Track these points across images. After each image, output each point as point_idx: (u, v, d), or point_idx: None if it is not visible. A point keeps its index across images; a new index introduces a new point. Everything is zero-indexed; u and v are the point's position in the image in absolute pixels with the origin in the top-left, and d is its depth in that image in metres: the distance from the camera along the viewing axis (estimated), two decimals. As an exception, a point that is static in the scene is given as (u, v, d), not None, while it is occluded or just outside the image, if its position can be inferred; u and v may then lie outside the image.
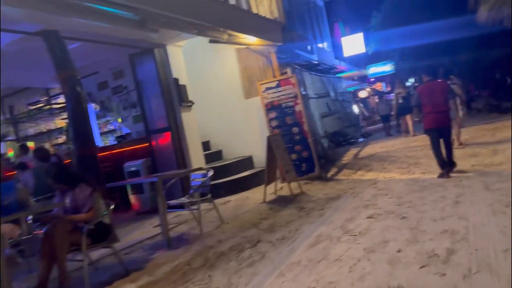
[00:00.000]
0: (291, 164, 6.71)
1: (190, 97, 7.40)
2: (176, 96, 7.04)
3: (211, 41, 6.32)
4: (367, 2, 23.59)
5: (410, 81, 38.20)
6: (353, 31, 23.88)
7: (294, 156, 7.73)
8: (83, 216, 3.89)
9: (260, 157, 7.62)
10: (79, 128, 5.34)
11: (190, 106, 7.32)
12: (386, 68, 29.30)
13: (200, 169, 5.66)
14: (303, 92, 11.98)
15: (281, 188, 7.13)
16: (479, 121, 13.73)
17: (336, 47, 22.40)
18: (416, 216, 4.31)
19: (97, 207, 3.97)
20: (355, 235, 4.02)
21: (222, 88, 8.54)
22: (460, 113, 9.79)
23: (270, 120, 7.76)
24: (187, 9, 5.36)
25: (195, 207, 5.14)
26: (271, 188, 6.90)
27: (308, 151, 7.76)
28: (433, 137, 6.54)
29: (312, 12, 18.21)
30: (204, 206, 5.88)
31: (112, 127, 9.19)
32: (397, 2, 17.95)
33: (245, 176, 7.65)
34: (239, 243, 4.44)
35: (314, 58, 14.90)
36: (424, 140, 11.10)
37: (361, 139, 15.95)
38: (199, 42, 7.40)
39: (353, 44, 22.94)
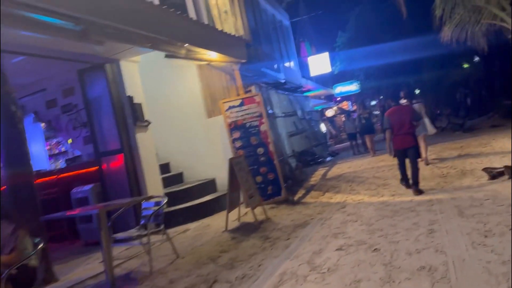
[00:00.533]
0: (255, 188, 6.25)
1: (147, 117, 6.85)
2: (130, 116, 6.47)
3: (167, 56, 5.84)
4: (333, 22, 23.93)
5: (373, 102, 39.27)
6: (319, 50, 24.10)
7: (259, 179, 7.28)
8: (2, 259, 3.25)
9: (223, 179, 7.09)
10: (13, 153, 4.67)
11: (146, 126, 6.76)
12: (352, 87, 29.73)
13: (151, 197, 5.09)
14: (270, 111, 11.66)
15: (246, 213, 6.63)
16: (444, 140, 13.84)
17: (303, 67, 22.47)
18: (389, 248, 3.92)
19: (21, 247, 3.34)
20: (324, 273, 3.57)
21: (183, 107, 8.02)
22: (433, 131, 9.79)
23: (233, 140, 7.30)
24: (139, 21, 4.88)
25: (145, 240, 4.55)
26: (234, 213, 6.39)
27: (274, 173, 7.33)
28: (399, 157, 7.14)
29: (278, 31, 18.15)
30: (159, 237, 5.29)
31: (63, 149, 8.46)
32: (362, 22, 18.20)
33: (207, 200, 7.10)
34: (193, 284, 3.88)
35: (281, 77, 14.72)
36: (391, 160, 10.97)
37: (328, 158, 15.76)
38: (158, 57, 6.91)
39: (319, 63, 23.08)
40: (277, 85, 14.27)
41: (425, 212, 5.14)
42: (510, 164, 7.05)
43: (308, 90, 21.04)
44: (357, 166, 11.40)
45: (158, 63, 7.29)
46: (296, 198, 8.15)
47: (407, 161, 7.01)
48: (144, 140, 6.67)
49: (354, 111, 35.79)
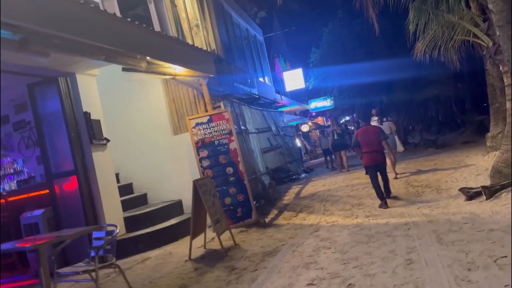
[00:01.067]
0: (222, 212, 5.79)
1: (106, 134, 6.33)
2: (86, 133, 5.94)
3: (124, 70, 5.39)
4: (307, 38, 24.01)
5: (346, 118, 39.84)
6: (294, 66, 24.09)
7: (228, 200, 6.83)
8: None
9: (190, 200, 6.60)
10: None
11: (105, 144, 6.24)
12: (327, 103, 29.87)
13: (100, 227, 4.57)
14: (242, 127, 11.29)
15: (213, 238, 6.15)
16: (417, 156, 13.79)
17: (277, 82, 22.35)
18: (364, 283, 3.54)
19: None
20: (292, 315, 3.15)
21: (147, 123, 7.53)
22: (401, 149, 10.34)
23: (201, 159, 6.85)
24: (91, 31, 4.43)
25: (94, 275, 4.01)
26: (200, 239, 5.91)
27: (244, 193, 6.90)
28: (371, 172, 7.58)
29: (252, 46, 17.99)
30: (111, 270, 4.75)
31: (18, 168, 7.79)
32: (334, 39, 18.22)
33: (172, 224, 6.58)
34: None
35: (255, 92, 14.45)
36: (365, 177, 10.74)
37: (303, 175, 15.47)
38: (119, 71, 6.43)
39: (294, 79, 23.03)
40: (251, 101, 13.97)
41: (402, 238, 4.82)
42: (486, 184, 6.90)
43: (283, 106, 20.85)
44: (331, 183, 11.11)
45: (120, 76, 6.81)
46: (268, 219, 7.73)
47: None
48: (102, 160, 6.14)
49: (328, 126, 36.06)
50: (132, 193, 7.71)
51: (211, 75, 7.09)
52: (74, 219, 5.80)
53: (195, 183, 5.22)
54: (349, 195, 8.95)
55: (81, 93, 6.01)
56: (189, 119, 6.88)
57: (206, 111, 7.12)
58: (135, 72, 5.34)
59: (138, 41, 5.25)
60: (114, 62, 5.00)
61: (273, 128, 15.67)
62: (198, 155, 6.83)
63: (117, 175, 7.78)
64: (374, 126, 8.28)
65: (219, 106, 7.22)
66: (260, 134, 13.46)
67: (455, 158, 11.38)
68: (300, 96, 27.43)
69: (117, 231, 4.23)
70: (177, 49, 6.25)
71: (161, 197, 7.52)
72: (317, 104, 31.37)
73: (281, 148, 15.55)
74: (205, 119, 6.91)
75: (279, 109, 19.60)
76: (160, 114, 7.43)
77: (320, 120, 41.01)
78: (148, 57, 5.42)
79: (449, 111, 21.96)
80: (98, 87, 6.41)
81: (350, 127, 24.93)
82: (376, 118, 11.07)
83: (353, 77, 17.49)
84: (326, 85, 20.02)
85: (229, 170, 6.89)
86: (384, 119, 10.87)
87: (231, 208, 6.80)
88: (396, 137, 10.17)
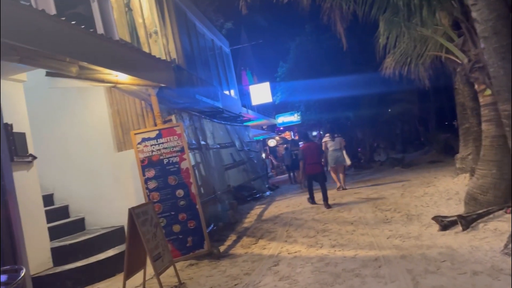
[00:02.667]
0: (165, 245, 4.92)
1: (33, 150, 5.36)
2: (5, 149, 4.96)
3: (48, 74, 4.51)
4: (274, 51, 23.63)
5: (314, 133, 39.92)
6: (261, 79, 23.60)
7: (176, 228, 5.97)
8: None
9: None
10: None
11: (30, 162, 5.27)
12: (294, 118, 29.57)
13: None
14: (202, 142, 10.49)
15: (154, 276, 5.26)
16: (383, 176, 13.42)
17: (244, 95, 21.76)
18: None
19: None
20: None
21: (87, 138, 6.58)
22: (348, 161, 11.34)
23: (146, 180, 5.97)
24: (6, 26, 3.56)
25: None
26: (139, 276, 5.01)
27: (196, 220, 6.07)
28: (309, 179, 9.88)
29: (217, 58, 17.35)
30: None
31: None
32: (302, 53, 17.86)
33: (109, 256, 5.63)
34: None
35: (218, 105, 13.72)
36: (329, 198, 10.17)
37: (267, 193, 14.77)
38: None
39: (261, 92, 22.50)
40: (214, 114, 13.22)
41: (372, 279, 4.15)
42: (458, 210, 6.41)
43: (249, 120, 20.24)
44: (295, 204, 10.44)
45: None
46: (224, 247, 6.92)
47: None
48: (25, 181, 5.16)
49: (293, 141, 35.92)
50: (68, 216, 6.70)
51: (162, 85, 6.28)
52: (-16, 252, 4.77)
53: (131, 211, 4.36)
54: (314, 218, 8.29)
55: (2, 101, 5.03)
56: (134, 133, 6.01)
57: (156, 125, 6.28)
58: (64, 78, 4.45)
59: (69, 42, 4.39)
60: (35, 65, 4.12)
61: (237, 143, 14.94)
62: (144, 175, 5.96)
63: (51, 196, 6.78)
64: (315, 143, 10.55)
65: (170, 120, 6.39)
66: (222, 149, 12.68)
67: (423, 179, 11.02)
68: (267, 110, 26.96)
69: (23, 272, 3.30)
70: (120, 54, 5.41)
71: (101, 222, 6.55)
72: (284, 119, 31.04)
73: (245, 164, 14.81)
74: (153, 135, 6.07)
75: (245, 124, 18.95)
76: (102, 128, 6.51)
77: (287, 135, 40.76)
78: (81, 62, 4.58)
79: (414, 129, 22.04)
80: (26, 95, 5.45)
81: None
82: (328, 135, 11.84)
83: (320, 92, 17.15)
84: (293, 100, 19.59)
85: (179, 192, 6.05)
86: (335, 135, 11.53)
87: (180, 236, 5.94)
88: (344, 152, 11.24)
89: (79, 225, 6.64)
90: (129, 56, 5.64)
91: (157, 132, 6.10)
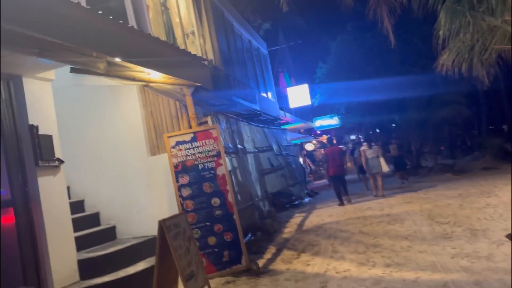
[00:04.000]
0: (200, 261, 4.39)
1: (61, 153, 5.00)
2: (30, 152, 4.62)
3: (72, 71, 4.10)
4: (313, 52, 22.85)
5: (352, 137, 38.83)
6: (299, 82, 22.90)
7: (212, 240, 5.43)
8: None
9: None
10: None
11: (57, 166, 4.90)
12: (333, 121, 28.62)
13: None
14: (239, 146, 9.97)
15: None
16: (435, 183, 12.36)
17: (281, 98, 21.14)
18: None
19: None
20: None
21: (118, 141, 6.18)
22: (386, 168, 11.67)
23: (180, 187, 5.48)
24: (25, 16, 3.17)
25: None
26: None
27: (233, 232, 5.51)
28: (334, 181, 11.27)
29: (255, 60, 16.88)
30: None
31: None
32: (343, 53, 17.01)
33: (140, 270, 5.15)
34: None
35: (256, 108, 13.23)
36: (379, 209, 9.33)
37: (306, 200, 14.05)
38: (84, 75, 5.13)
39: (299, 95, 21.79)
40: (251, 117, 12.71)
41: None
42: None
43: (287, 123, 19.60)
44: (339, 213, 9.68)
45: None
46: (263, 261, 6.33)
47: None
48: (51, 187, 4.79)
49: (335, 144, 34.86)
50: (99, 224, 6.33)
51: (198, 84, 5.78)
52: (8, 268, 4.42)
53: (161, 224, 3.84)
54: (362, 231, 7.53)
55: (28, 101, 4.71)
56: (168, 136, 5.54)
57: (190, 127, 5.79)
58: (90, 75, 4.03)
59: (96, 34, 3.97)
60: (57, 60, 3.71)
61: (275, 147, 14.34)
62: (177, 182, 5.47)
63: (81, 203, 6.45)
64: (338, 147, 12.08)
65: (206, 122, 5.88)
66: (260, 154, 12.12)
67: (481, 188, 9.97)
68: (304, 113, 26.19)
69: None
70: (152, 49, 4.96)
71: (133, 231, 6.13)
72: (322, 122, 30.15)
73: (283, 169, 14.16)
74: (187, 138, 5.58)
75: (282, 127, 18.32)
76: (135, 130, 6.10)
77: (324, 139, 39.74)
78: (108, 57, 4.14)
79: (461, 133, 20.56)
80: (54, 95, 5.11)
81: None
82: (365, 143, 12.31)
83: (362, 94, 16.22)
84: (333, 102, 18.72)
85: (215, 201, 5.52)
86: (372, 144, 12.06)
87: (216, 250, 5.39)
88: (382, 159, 11.53)
89: (110, 233, 6.26)
90: (162, 53, 5.18)
91: (192, 135, 5.60)
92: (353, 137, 39.58)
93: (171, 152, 5.51)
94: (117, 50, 4.26)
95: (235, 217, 5.51)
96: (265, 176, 11.92)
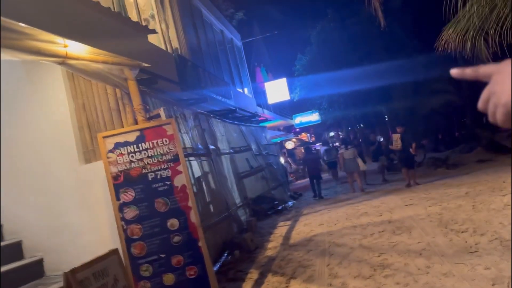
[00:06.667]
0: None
1: None
2: None
3: None
4: (291, 44, 21.48)
5: (331, 134, 37.93)
6: (277, 76, 21.48)
7: (169, 279, 3.89)
8: None
9: None
10: None
11: None
12: (313, 117, 27.42)
13: None
14: (211, 147, 8.49)
15: None
16: (431, 179, 11.17)
17: (259, 94, 19.74)
18: None
19: None
20: None
21: (41, 145, 4.59)
22: (364, 167, 12.76)
23: (122, 207, 3.94)
24: None
25: None
26: None
27: (199, 264, 4.00)
28: (311, 179, 13.18)
29: (229, 52, 15.45)
30: None
31: None
32: (324, 42, 15.66)
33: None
34: None
35: (231, 104, 11.82)
36: (375, 213, 8.02)
37: (290, 203, 12.66)
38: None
39: (277, 90, 20.38)
40: (225, 113, 11.28)
41: None
42: None
43: (266, 120, 18.21)
44: (330, 221, 8.29)
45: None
46: (242, 294, 4.89)
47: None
48: None
49: (313, 143, 33.77)
50: (22, 257, 4.73)
51: (146, 65, 4.25)
52: None
53: (69, 278, 2.33)
54: (362, 244, 6.15)
55: None
56: (103, 137, 3.99)
57: (137, 123, 4.26)
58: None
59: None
60: None
61: (254, 146, 12.88)
62: (118, 199, 3.93)
63: (-2, 228, 4.83)
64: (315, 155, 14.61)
65: (158, 116, 4.36)
66: (236, 154, 10.66)
67: (487, 184, 8.77)
68: (284, 110, 24.86)
69: None
70: (72, 11, 3.42)
71: (66, 265, 4.52)
72: (302, 119, 28.88)
73: (264, 170, 12.73)
74: (131, 138, 4.05)
75: (261, 124, 16.91)
76: (62, 130, 4.50)
77: (304, 136, 38.66)
78: (23, 24, 2.60)
79: (449, 125, 19.60)
80: None
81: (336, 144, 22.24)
82: (342, 146, 13.24)
83: (345, 86, 14.95)
84: (314, 96, 17.38)
85: (173, 223, 4.00)
86: (349, 146, 12.65)
87: (174, 293, 3.88)
88: (359, 159, 12.26)
89: (36, 269, 4.66)
90: (88, 16, 3.64)
91: (137, 134, 4.07)
92: (332, 134, 38.64)
93: (108, 157, 3.96)
94: (9, 9, 2.72)
95: (201, 243, 4.01)
96: (243, 180, 10.47)
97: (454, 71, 0.77)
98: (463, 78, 0.77)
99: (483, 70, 0.70)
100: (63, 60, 3.43)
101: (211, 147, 8.45)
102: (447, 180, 10.58)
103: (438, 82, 13.97)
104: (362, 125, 19.35)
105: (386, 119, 17.57)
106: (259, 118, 16.49)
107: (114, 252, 3.00)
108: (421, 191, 9.48)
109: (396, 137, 11.09)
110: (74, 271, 2.41)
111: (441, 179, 11.05)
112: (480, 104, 0.70)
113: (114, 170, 3.96)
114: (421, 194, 9.03)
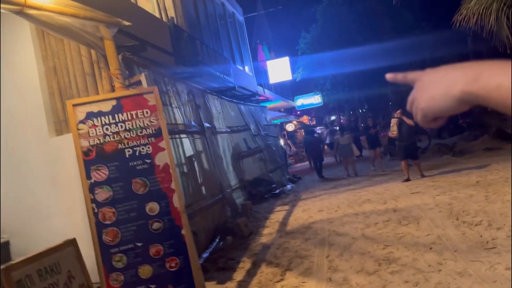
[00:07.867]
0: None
1: None
2: None
3: None
4: (295, 21, 20.62)
5: (332, 118, 37.28)
6: (279, 55, 20.70)
7: (146, 272, 3.38)
8: None
9: (84, 252, 3.13)
10: None
11: None
12: (315, 99, 26.73)
13: None
14: (207, 125, 7.93)
15: None
16: (438, 167, 10.64)
17: (260, 73, 19.02)
18: None
19: None
20: None
21: (4, 114, 4.02)
22: (357, 152, 14.35)
23: (93, 186, 3.40)
24: None
25: None
26: None
27: (181, 255, 3.47)
28: (313, 159, 14.06)
29: (230, 27, 14.69)
30: None
31: None
32: (330, 19, 14.86)
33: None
34: None
35: (231, 81, 11.20)
36: (380, 200, 7.51)
37: (289, 187, 12.18)
38: None
39: (279, 69, 19.63)
40: (223, 90, 10.69)
41: None
42: None
43: (267, 100, 17.56)
44: (331, 207, 7.78)
45: None
46: (232, 285, 4.40)
47: None
48: None
49: (314, 126, 33.13)
50: (-14, 240, 4.22)
51: (127, 23, 3.64)
52: None
53: (3, 277, 1.78)
54: (365, 235, 5.64)
55: None
56: (73, 105, 3.41)
57: (113, 90, 3.67)
58: None
59: None
60: None
61: (253, 126, 12.32)
62: (89, 178, 3.39)
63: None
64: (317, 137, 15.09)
65: (138, 83, 3.76)
66: (234, 134, 10.12)
67: (498, 173, 8.25)
68: (285, 91, 24.14)
69: None
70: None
71: (35, 247, 4.03)
72: (303, 101, 28.16)
73: (262, 151, 12.19)
74: (106, 107, 3.47)
75: (262, 104, 16.28)
76: (30, 96, 3.91)
77: (305, 119, 37.99)
78: None
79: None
80: None
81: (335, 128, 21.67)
82: (339, 133, 13.52)
83: (350, 65, 14.24)
84: (317, 76, 16.67)
85: (152, 207, 3.46)
86: (345, 133, 12.85)
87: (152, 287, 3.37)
88: (353, 146, 13.32)
89: (2, 252, 4.16)
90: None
91: (114, 103, 3.49)
92: (333, 117, 37.97)
93: (78, 129, 3.40)
94: None
95: (185, 231, 3.48)
96: (240, 161, 9.94)
97: (389, 75, 0.81)
98: (395, 82, 0.82)
99: (410, 76, 0.76)
100: (21, 8, 2.82)
101: (206, 124, 7.90)
102: (455, 168, 10.04)
103: (446, 63, 13.29)
104: (365, 109, 18.69)
105: (390, 103, 16.93)
106: (260, 98, 15.87)
107: (71, 242, 2.47)
108: (427, 179, 8.94)
109: (393, 123, 9.35)
110: (9, 268, 1.88)
111: (447, 166, 10.53)
112: (408, 106, 0.76)
113: (85, 144, 3.40)
114: (428, 182, 8.50)
